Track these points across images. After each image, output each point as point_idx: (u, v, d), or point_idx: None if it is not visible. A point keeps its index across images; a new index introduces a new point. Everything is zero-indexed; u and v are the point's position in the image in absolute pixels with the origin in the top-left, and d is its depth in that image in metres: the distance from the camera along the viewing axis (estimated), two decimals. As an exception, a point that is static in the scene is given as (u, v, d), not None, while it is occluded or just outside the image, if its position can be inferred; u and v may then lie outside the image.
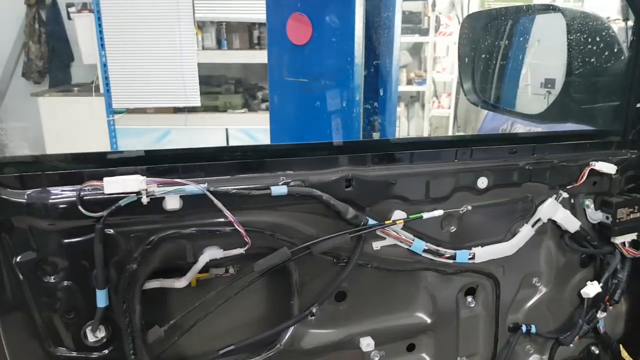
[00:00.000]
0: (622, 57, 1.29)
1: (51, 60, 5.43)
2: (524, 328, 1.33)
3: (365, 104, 1.80)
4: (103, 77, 4.80)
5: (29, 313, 0.93)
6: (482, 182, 1.16)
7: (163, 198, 0.93)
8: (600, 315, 1.34)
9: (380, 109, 1.85)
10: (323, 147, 1.11)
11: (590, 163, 1.23)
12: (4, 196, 0.88)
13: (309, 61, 1.58)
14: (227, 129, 5.17)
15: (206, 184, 0.95)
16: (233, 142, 5.20)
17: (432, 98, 6.52)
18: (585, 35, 1.31)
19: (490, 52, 1.65)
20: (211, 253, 1.01)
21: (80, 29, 4.76)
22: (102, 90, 4.88)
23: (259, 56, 5.05)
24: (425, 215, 1.10)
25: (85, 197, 0.90)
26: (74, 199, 0.89)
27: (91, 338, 0.97)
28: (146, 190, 0.90)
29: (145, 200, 0.91)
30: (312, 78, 1.59)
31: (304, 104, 1.64)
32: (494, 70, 1.66)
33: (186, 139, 5.13)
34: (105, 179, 0.89)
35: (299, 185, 1.02)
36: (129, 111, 5.02)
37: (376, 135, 1.91)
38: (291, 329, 1.11)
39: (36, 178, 0.90)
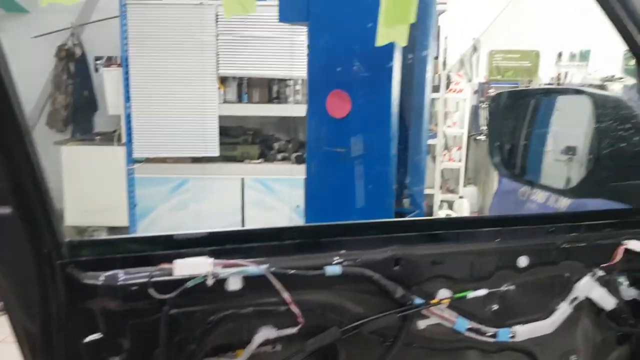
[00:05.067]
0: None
1: (75, 109, 5.62)
2: None
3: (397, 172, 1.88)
4: (126, 127, 4.96)
5: None
6: (523, 261, 1.20)
7: (225, 279, 0.98)
8: None
9: (411, 176, 1.92)
10: (373, 226, 1.16)
11: (623, 242, 1.26)
12: (83, 280, 0.91)
13: (346, 133, 1.67)
14: (242, 179, 5.27)
15: (267, 265, 0.99)
16: (248, 191, 5.28)
17: (443, 151, 6.64)
18: (614, 120, 1.38)
19: (518, 128, 1.73)
20: (265, 332, 1.04)
21: (108, 82, 4.95)
22: (124, 139, 5.03)
23: (277, 110, 5.23)
24: (470, 294, 1.14)
25: (155, 279, 0.94)
26: (146, 280, 0.93)
27: None
28: (212, 272, 0.95)
29: (210, 281, 0.94)
30: (349, 148, 1.67)
31: (340, 172, 1.72)
32: (521, 145, 1.73)
33: (203, 187, 5.22)
34: (175, 262, 0.93)
35: (352, 265, 1.07)
36: (148, 160, 5.14)
37: (406, 201, 1.97)
38: None
39: (110, 261, 0.95)
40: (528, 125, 1.78)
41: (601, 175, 1.48)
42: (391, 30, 1.06)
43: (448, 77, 6.38)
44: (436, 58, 6.16)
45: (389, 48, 1.57)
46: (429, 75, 1.88)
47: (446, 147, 6.79)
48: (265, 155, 5.44)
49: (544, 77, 7.00)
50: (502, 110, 1.70)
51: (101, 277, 0.93)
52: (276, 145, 5.49)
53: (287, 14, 1.65)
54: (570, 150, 1.99)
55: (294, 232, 1.09)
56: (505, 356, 1.26)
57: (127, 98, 4.85)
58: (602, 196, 1.53)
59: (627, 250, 1.27)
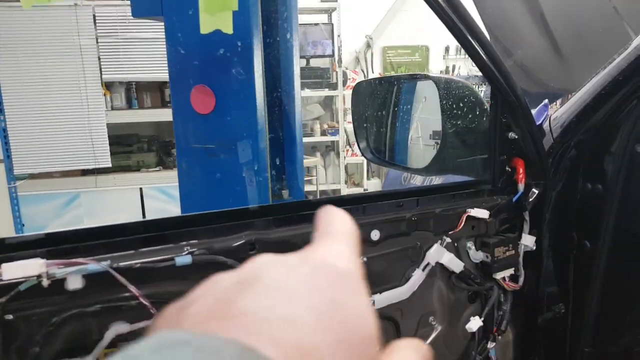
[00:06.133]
0: (485, 117, 1.50)
1: (-58, 127, 5.06)
2: None
3: (272, 164, 1.91)
4: (2, 142, 4.56)
5: None
6: (375, 235, 1.28)
7: (65, 279, 0.94)
8: (490, 345, 1.47)
9: (288, 168, 1.96)
10: (227, 215, 1.17)
11: (467, 210, 1.39)
12: None
13: (214, 128, 1.67)
14: (141, 188, 5.07)
15: (109, 261, 0.97)
16: (148, 201, 5.10)
17: (345, 147, 6.85)
18: (453, 100, 1.51)
19: (379, 113, 1.83)
20: (117, 328, 1.01)
21: (-24, 95, 4.52)
22: (1, 156, 4.62)
23: (171, 114, 5.08)
24: None
25: None
26: None
27: None
28: (47, 272, 0.91)
29: (45, 283, 0.91)
30: (218, 144, 1.67)
31: (211, 168, 1.71)
32: (385, 130, 1.84)
33: (98, 200, 4.95)
34: (3, 265, 0.89)
35: (204, 254, 1.07)
36: (33, 176, 4.79)
37: (285, 193, 2.01)
38: None
39: None
40: (390, 111, 1.89)
41: (448, 153, 1.61)
42: (214, 18, 1.07)
43: (344, 74, 6.59)
44: (331, 56, 6.36)
45: (248, 40, 1.59)
46: (296, 69, 1.93)
47: (348, 143, 7.01)
48: (164, 162, 5.28)
49: (434, 71, 7.47)
50: (362, 99, 1.79)
51: None
52: (174, 151, 5.34)
53: (140, 9, 1.61)
54: (436, 135, 2.13)
55: (140, 227, 1.07)
56: None
57: (1, 110, 4.46)
58: (450, 172, 1.66)
59: (470, 217, 1.40)
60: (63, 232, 1.02)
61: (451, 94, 1.50)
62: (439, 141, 2.14)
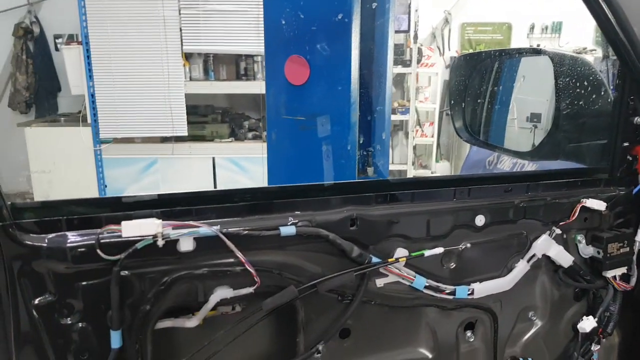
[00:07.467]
0: (609, 99, 1.36)
1: (38, 91, 5.42)
2: None
3: (360, 140, 1.85)
4: (90, 107, 4.82)
5: (45, 354, 0.94)
6: (480, 220, 1.20)
7: (177, 240, 0.95)
8: (595, 348, 1.37)
9: (374, 144, 1.90)
10: (329, 188, 1.14)
11: (582, 200, 1.27)
12: (26, 241, 0.89)
13: (306, 100, 1.63)
14: (213, 158, 5.20)
15: (219, 226, 0.97)
16: (219, 171, 5.22)
17: (415, 127, 6.65)
18: (573, 79, 1.38)
19: (479, 90, 1.72)
20: (221, 293, 1.03)
21: (69, 61, 4.78)
22: (89, 120, 4.89)
23: (246, 87, 5.13)
24: (427, 252, 1.14)
25: (103, 241, 0.91)
26: (93, 242, 0.90)
27: None
28: (162, 233, 0.92)
29: (160, 242, 0.92)
30: (309, 116, 1.63)
31: (301, 141, 1.69)
32: (484, 109, 1.73)
33: (174, 167, 5.13)
34: (123, 223, 0.91)
35: (306, 226, 1.05)
36: (116, 141, 5.03)
37: (370, 170, 1.96)
38: None
39: (56, 223, 0.92)
40: (491, 89, 1.77)
41: (560, 137, 1.48)
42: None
43: (419, 51, 6.33)
44: (407, 31, 6.14)
45: (347, 9, 1.53)
46: (390, 42, 1.85)
47: (418, 123, 6.80)
48: (236, 134, 5.37)
49: (514, 51, 7.03)
50: (462, 74, 1.68)
51: (45, 239, 0.90)
52: (246, 123, 5.41)
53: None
54: (535, 117, 1.99)
55: (247, 194, 1.06)
56: (465, 313, 1.27)
57: (90, 77, 4.70)
58: (560, 158, 1.53)
59: (584, 208, 1.28)
60: (175, 194, 1.03)
61: (573, 71, 1.37)
62: (537, 124, 1.99)
